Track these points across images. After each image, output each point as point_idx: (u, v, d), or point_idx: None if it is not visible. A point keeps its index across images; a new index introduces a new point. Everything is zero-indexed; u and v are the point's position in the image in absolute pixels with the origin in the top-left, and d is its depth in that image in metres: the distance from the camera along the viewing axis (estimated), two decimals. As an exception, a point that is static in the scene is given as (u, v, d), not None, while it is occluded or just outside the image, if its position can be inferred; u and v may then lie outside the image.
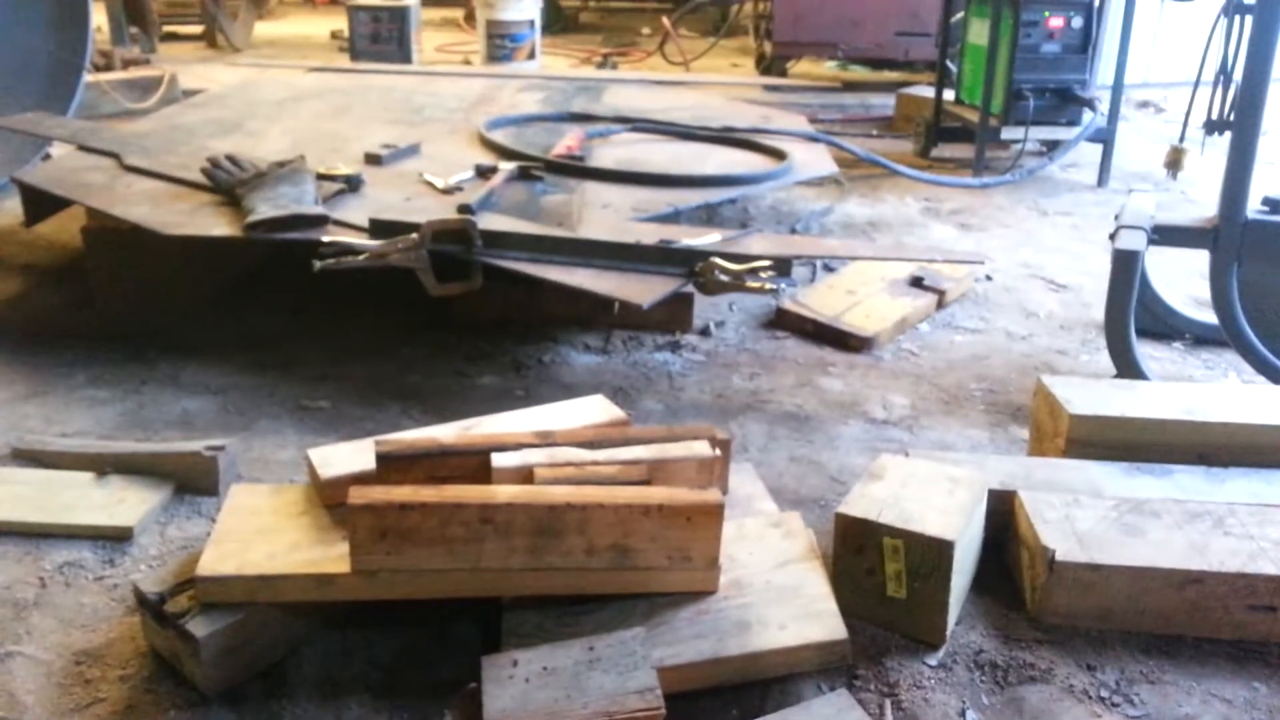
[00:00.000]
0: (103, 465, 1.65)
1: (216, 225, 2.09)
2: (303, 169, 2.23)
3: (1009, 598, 1.43)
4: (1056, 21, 3.54)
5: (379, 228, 2.04)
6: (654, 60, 6.36)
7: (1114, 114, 3.61)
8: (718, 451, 1.43)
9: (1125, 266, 1.98)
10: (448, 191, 2.38)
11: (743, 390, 2.08)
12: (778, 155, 2.90)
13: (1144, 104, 5.23)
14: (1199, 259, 2.29)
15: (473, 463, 1.36)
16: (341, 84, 3.90)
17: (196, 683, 1.23)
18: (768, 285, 1.99)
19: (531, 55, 5.76)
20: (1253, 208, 2.01)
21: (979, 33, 3.78)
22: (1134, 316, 2.01)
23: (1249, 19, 1.95)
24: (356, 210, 2.22)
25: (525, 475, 1.33)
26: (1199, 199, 3.52)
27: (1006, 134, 3.63)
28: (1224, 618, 1.34)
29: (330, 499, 1.38)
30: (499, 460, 1.34)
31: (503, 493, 1.24)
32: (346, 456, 1.43)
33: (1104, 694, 1.27)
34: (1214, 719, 1.23)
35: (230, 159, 2.29)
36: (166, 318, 2.25)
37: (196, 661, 1.21)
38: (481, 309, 2.31)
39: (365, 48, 5.47)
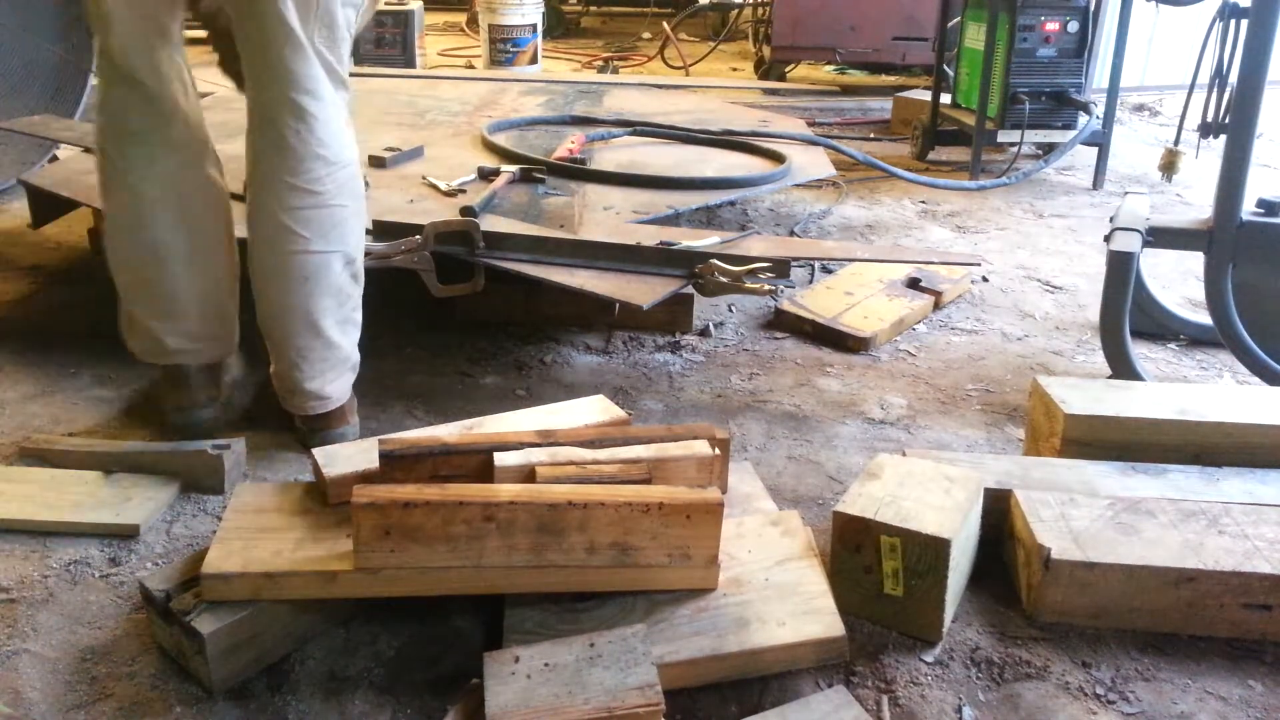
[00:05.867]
0: (109, 464, 1.67)
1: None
2: None
3: (1005, 595, 1.44)
4: (1053, 25, 3.56)
5: (383, 229, 2.05)
6: (654, 65, 6.38)
7: (1109, 117, 3.63)
8: (717, 450, 1.44)
9: (1120, 268, 2.00)
10: (451, 194, 2.40)
11: (742, 390, 2.10)
12: (776, 158, 2.92)
13: (1139, 107, 5.26)
14: (1194, 261, 2.31)
15: (475, 461, 1.37)
16: (343, 87, 3.92)
17: (202, 679, 1.24)
18: (766, 286, 2.00)
19: (534, 59, 5.78)
20: (1247, 210, 2.02)
21: (975, 37, 3.80)
22: (1129, 318, 2.02)
23: (1243, 22, 1.97)
24: (359, 212, 2.23)
25: (527, 474, 1.35)
26: (1194, 201, 3.53)
27: (1003, 137, 3.65)
28: (1219, 616, 1.35)
29: (334, 497, 1.39)
30: (501, 459, 1.36)
31: (505, 491, 1.25)
32: (350, 455, 1.45)
33: (1099, 691, 1.28)
34: (1209, 716, 1.24)
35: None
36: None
37: (202, 658, 1.22)
38: (484, 310, 2.33)
39: (369, 52, 5.48)
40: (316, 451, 1.46)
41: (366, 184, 2.36)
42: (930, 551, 1.31)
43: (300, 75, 1.57)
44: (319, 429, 1.77)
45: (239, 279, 1.78)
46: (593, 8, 9.24)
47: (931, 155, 4.08)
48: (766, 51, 5.67)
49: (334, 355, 1.74)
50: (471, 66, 5.87)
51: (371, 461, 1.40)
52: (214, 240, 1.72)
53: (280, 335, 1.71)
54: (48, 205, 2.53)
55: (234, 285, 1.78)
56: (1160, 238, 2.08)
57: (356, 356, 1.80)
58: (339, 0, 1.57)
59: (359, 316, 1.78)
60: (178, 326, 1.73)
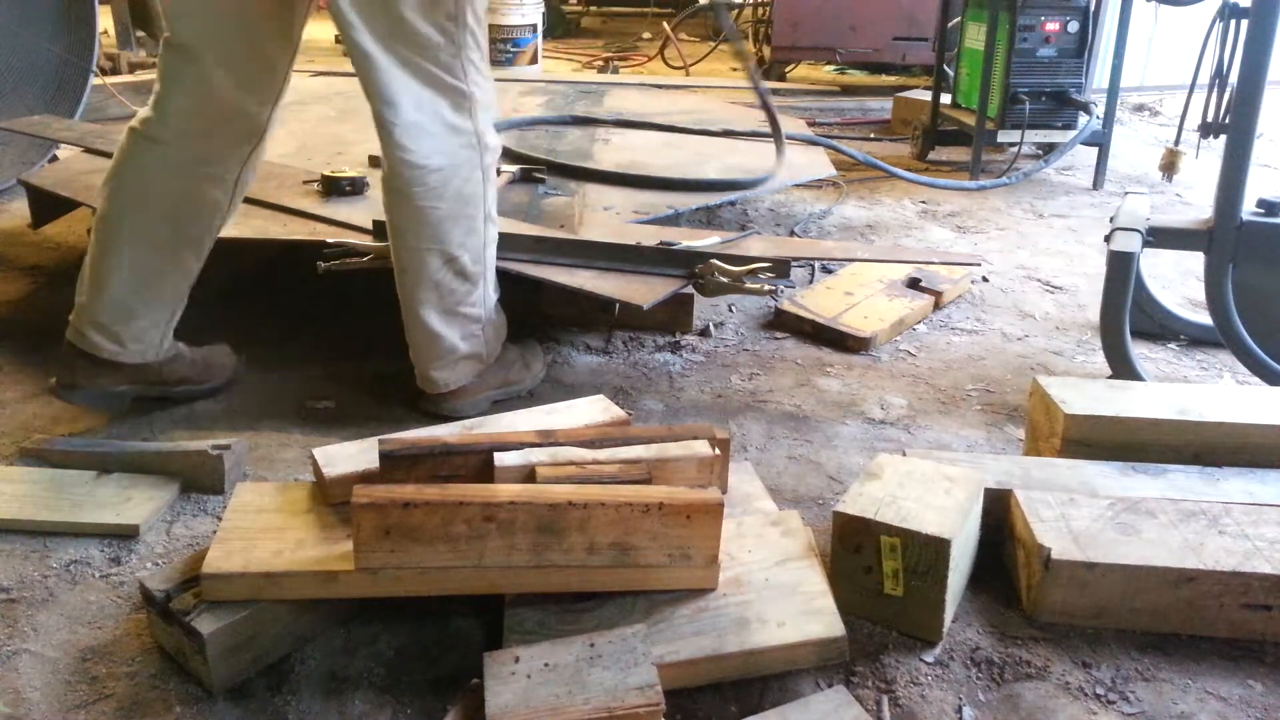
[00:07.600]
0: (109, 464, 1.66)
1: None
2: None
3: (1005, 596, 1.44)
4: (1053, 25, 3.56)
5: (383, 229, 2.05)
6: (655, 64, 6.39)
7: (1109, 117, 3.63)
8: (717, 451, 1.44)
9: (1120, 268, 2.00)
10: (450, 194, 2.39)
11: (742, 390, 2.09)
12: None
13: (1139, 107, 5.26)
14: (1194, 261, 2.30)
15: (475, 461, 1.37)
16: (346, 88, 3.92)
17: (202, 679, 1.24)
18: (766, 287, 2.01)
19: (534, 60, 5.78)
20: (1247, 210, 2.02)
21: (975, 37, 3.80)
22: (1129, 318, 2.02)
23: (1243, 23, 1.97)
24: (361, 212, 2.23)
25: (527, 474, 1.34)
26: (1194, 201, 3.54)
27: (1003, 137, 3.65)
28: (1219, 616, 1.35)
29: (334, 497, 1.39)
30: (501, 459, 1.36)
31: (505, 491, 1.25)
32: (351, 455, 1.45)
33: (1100, 691, 1.28)
34: (1209, 716, 1.24)
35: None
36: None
37: (202, 658, 1.22)
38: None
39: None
40: (316, 451, 1.46)
41: (365, 186, 2.38)
42: (930, 551, 1.30)
43: (375, 85, 1.64)
44: (434, 402, 1.92)
45: (177, 299, 1.83)
46: (593, 8, 9.25)
47: (931, 155, 4.08)
48: (767, 51, 5.67)
49: (438, 345, 1.84)
50: (472, 66, 5.86)
51: (371, 461, 1.40)
52: (162, 245, 1.76)
53: (403, 316, 1.85)
54: (48, 205, 2.53)
55: (162, 296, 1.80)
56: (1160, 238, 2.08)
57: (473, 349, 1.88)
58: (407, 5, 1.59)
59: (473, 311, 1.85)
60: (87, 300, 1.76)
